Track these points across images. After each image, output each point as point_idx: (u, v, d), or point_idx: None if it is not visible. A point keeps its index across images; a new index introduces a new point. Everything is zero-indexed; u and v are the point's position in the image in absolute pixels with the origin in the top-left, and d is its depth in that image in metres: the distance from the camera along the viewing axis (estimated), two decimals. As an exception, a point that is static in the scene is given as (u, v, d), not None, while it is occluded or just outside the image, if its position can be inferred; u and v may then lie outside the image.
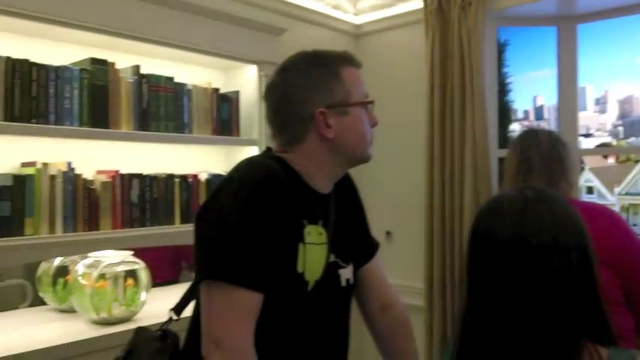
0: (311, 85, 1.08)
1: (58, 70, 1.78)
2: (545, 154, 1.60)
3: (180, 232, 2.13)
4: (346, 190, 1.24)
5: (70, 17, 1.78)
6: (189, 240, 2.29)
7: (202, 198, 2.20)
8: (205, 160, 2.43)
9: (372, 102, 1.15)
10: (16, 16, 1.69)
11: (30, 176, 1.72)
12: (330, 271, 1.11)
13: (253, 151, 2.41)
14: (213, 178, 2.25)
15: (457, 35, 2.42)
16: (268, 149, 1.19)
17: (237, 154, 2.47)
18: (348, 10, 2.89)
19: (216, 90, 2.30)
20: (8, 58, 1.69)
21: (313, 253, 1.06)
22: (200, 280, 1.00)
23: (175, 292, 2.36)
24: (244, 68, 2.44)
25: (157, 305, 2.10)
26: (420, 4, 2.60)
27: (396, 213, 2.62)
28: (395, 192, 2.67)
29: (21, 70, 1.71)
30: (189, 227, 2.08)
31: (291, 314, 1.05)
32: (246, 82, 2.44)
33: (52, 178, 1.76)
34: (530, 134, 1.70)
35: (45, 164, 1.76)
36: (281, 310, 1.03)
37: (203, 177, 2.23)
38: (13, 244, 1.66)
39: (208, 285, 0.98)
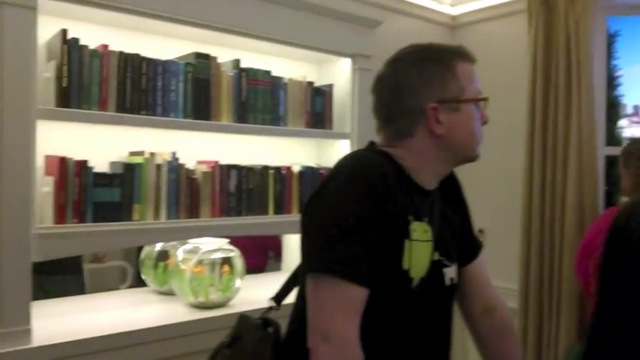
0: (424, 78, 1.06)
1: (165, 64, 1.87)
2: None
3: (273, 223, 2.17)
4: (451, 187, 1.20)
5: (176, 13, 1.86)
6: (282, 230, 2.39)
7: (295, 190, 2.24)
8: (298, 152, 2.47)
9: (486, 99, 1.11)
10: (127, 13, 1.78)
11: (138, 165, 1.82)
12: (435, 269, 1.09)
13: (345, 144, 2.41)
14: (306, 171, 2.28)
15: (563, 25, 2.29)
16: (372, 143, 1.17)
17: (329, 147, 2.49)
18: (444, 1, 2.82)
19: (311, 83, 2.32)
20: (121, 53, 1.79)
21: (418, 251, 1.04)
22: (307, 272, 1.01)
23: (265, 281, 2.45)
24: (338, 61, 2.44)
25: (249, 292, 2.17)
26: (522, -6, 2.48)
27: (491, 211, 2.53)
28: (490, 189, 2.58)
29: (132, 64, 1.80)
30: (282, 218, 2.16)
31: (394, 311, 1.04)
32: (339, 76, 2.44)
33: (158, 167, 1.86)
34: None
35: (152, 154, 1.86)
36: (385, 307, 1.03)
37: (296, 169, 2.27)
38: (123, 228, 1.77)
39: (316, 278, 0.98)
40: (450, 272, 1.13)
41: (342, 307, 0.96)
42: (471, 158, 1.12)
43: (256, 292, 2.20)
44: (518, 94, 2.46)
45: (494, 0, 2.71)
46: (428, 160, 1.09)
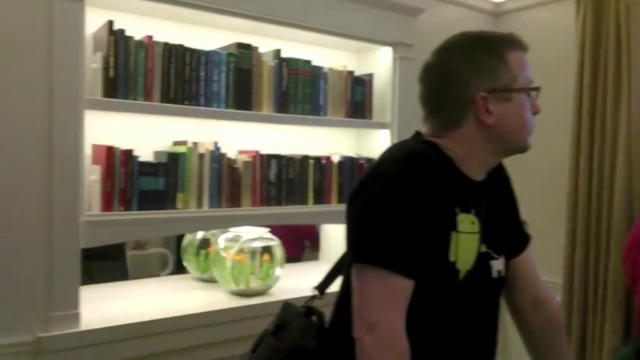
0: (475, 67, 1.03)
1: (208, 54, 1.89)
2: None
3: (313, 212, 2.18)
4: (499, 179, 1.18)
5: (219, 4, 1.87)
6: (321, 220, 2.39)
7: (335, 180, 2.24)
8: (337, 142, 2.46)
9: (538, 88, 1.08)
10: (171, 4, 1.80)
11: (182, 154, 1.84)
12: (482, 261, 1.07)
13: (385, 134, 2.40)
14: (345, 161, 2.27)
15: (613, 12, 2.20)
16: (418, 133, 1.15)
17: (369, 137, 2.48)
18: (487, -12, 2.75)
19: (351, 73, 2.30)
20: (165, 44, 1.81)
21: (465, 242, 1.03)
22: (352, 263, 1.01)
23: (302, 270, 2.47)
24: (379, 50, 2.42)
25: (288, 281, 2.19)
26: (570, -21, 2.41)
27: (534, 202, 2.47)
28: (534, 180, 2.52)
29: (176, 54, 1.82)
30: (322, 208, 2.17)
31: (440, 303, 1.03)
32: (380, 65, 2.42)
33: (201, 156, 1.88)
34: None
35: (195, 143, 1.88)
36: (431, 299, 1.02)
37: (335, 159, 2.26)
38: (167, 216, 1.80)
39: (362, 269, 0.98)
40: (498, 265, 1.11)
41: (389, 298, 0.96)
42: (522, 149, 1.09)
43: (295, 281, 2.22)
44: (565, 83, 2.39)
45: (539, -14, 2.64)
46: (476, 151, 1.07)
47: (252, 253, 2.09)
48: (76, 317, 1.64)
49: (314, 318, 1.21)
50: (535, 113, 1.08)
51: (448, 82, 1.06)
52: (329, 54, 2.40)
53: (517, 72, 1.05)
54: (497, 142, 1.06)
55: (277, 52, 2.07)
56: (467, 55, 1.05)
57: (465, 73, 1.04)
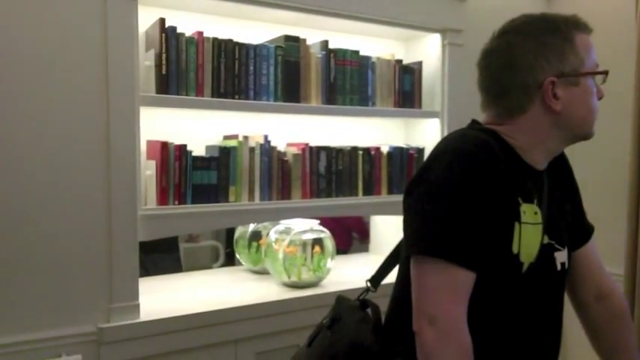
0: (542, 51, 1.00)
1: (256, 48, 1.89)
2: None
3: (363, 204, 2.17)
4: (560, 167, 1.14)
5: (266, -3, 1.88)
6: (371, 212, 2.38)
7: (384, 170, 2.22)
8: (386, 132, 2.44)
9: (606, 72, 1.03)
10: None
11: (233, 148, 1.86)
12: (545, 253, 1.04)
13: (435, 123, 2.35)
14: (394, 151, 2.25)
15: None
16: (475, 122, 1.12)
17: (417, 127, 2.44)
18: (539, -31, 2.65)
19: (399, 61, 2.27)
20: (215, 39, 1.83)
21: (528, 234, 1.00)
22: (411, 255, 0.99)
23: (352, 262, 2.47)
24: (427, 37, 2.37)
25: (339, 272, 2.19)
26: (629, -45, 2.29)
27: (593, 191, 2.39)
28: (593, 168, 2.43)
29: (225, 49, 1.84)
30: (372, 199, 2.15)
31: (503, 296, 1.00)
32: (429, 52, 2.37)
33: (252, 150, 1.90)
34: None
35: (245, 137, 1.90)
36: (493, 292, 0.99)
37: (385, 149, 2.24)
38: (220, 209, 1.83)
39: (422, 261, 0.96)
40: (561, 257, 1.07)
41: (449, 290, 0.94)
42: (587, 135, 1.05)
43: (346, 273, 2.22)
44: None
45: (596, -36, 2.52)
46: (541, 139, 1.03)
47: (304, 245, 2.10)
48: (135, 308, 1.69)
49: (369, 311, 1.20)
50: (600, 98, 1.04)
51: (513, 67, 1.02)
52: (377, 43, 2.37)
53: (584, 55, 1.01)
54: (563, 128, 1.03)
55: (325, 43, 2.06)
56: (533, 37, 1.01)
57: (532, 57, 1.00)
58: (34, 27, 1.55)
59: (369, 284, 1.26)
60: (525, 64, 1.01)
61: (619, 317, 1.18)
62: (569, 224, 1.13)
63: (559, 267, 1.07)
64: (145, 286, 1.83)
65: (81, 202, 1.62)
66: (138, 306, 1.70)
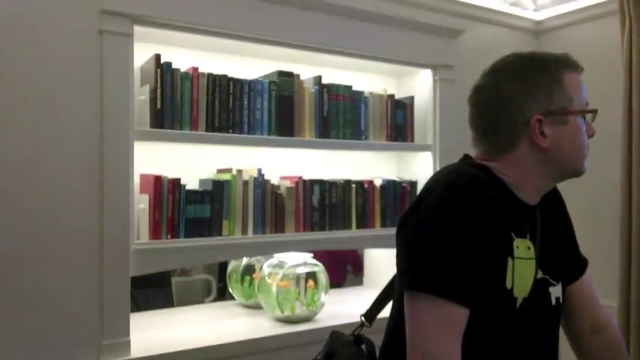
0: (530, 89, 1.01)
1: (251, 83, 1.92)
2: None
3: (356, 237, 2.17)
4: (552, 202, 1.15)
5: (260, 34, 1.91)
6: (365, 245, 2.38)
7: (378, 204, 2.22)
8: (379, 165, 2.45)
9: (595, 111, 1.05)
10: (215, 35, 1.85)
11: (227, 181, 1.87)
12: (539, 288, 1.03)
13: (427, 156, 2.38)
14: (387, 184, 2.26)
15: (661, 25, 2.15)
16: (467, 157, 1.13)
17: (410, 160, 2.46)
18: (527, 7, 2.72)
19: (392, 96, 2.30)
20: (210, 74, 1.85)
21: (522, 269, 1.00)
22: (405, 290, 0.98)
23: (346, 296, 2.44)
24: (418, 73, 2.42)
25: (333, 307, 2.17)
26: (614, -6, 2.36)
27: (584, 220, 2.40)
28: (585, 202, 2.45)
29: (220, 84, 1.86)
30: (365, 232, 2.15)
31: (498, 331, 1.00)
32: (420, 87, 2.41)
33: (245, 183, 1.90)
34: None
35: (239, 170, 1.91)
36: (488, 327, 0.98)
37: (378, 183, 2.25)
38: (214, 243, 1.82)
39: (415, 296, 0.96)
40: (556, 291, 1.07)
41: (443, 326, 0.93)
42: (577, 173, 1.06)
43: (340, 307, 2.20)
44: (612, 102, 2.33)
45: (582, 3, 2.59)
46: (530, 175, 1.04)
47: (297, 279, 2.08)
48: (127, 345, 1.66)
49: (363, 347, 1.19)
50: (591, 136, 1.05)
51: (501, 104, 1.03)
52: (369, 78, 2.41)
53: (573, 94, 1.02)
54: (552, 165, 1.04)
55: (318, 78, 2.09)
56: (521, 76, 1.03)
57: (519, 95, 1.02)
58: (31, 61, 1.57)
59: (363, 319, 1.25)
60: (513, 102, 1.02)
61: (615, 350, 1.18)
62: (563, 258, 1.13)
63: (554, 302, 1.07)
64: (137, 322, 1.80)
65: (73, 236, 1.61)
66: (129, 342, 1.67)
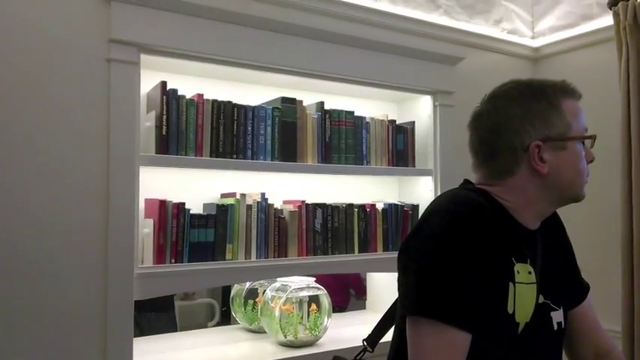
0: (528, 115, 1.03)
1: (254, 109, 1.95)
2: None
3: (359, 261, 2.18)
4: (553, 227, 1.16)
5: (264, 62, 1.96)
6: (367, 269, 2.39)
7: (380, 227, 2.24)
8: (380, 190, 2.48)
9: (594, 137, 1.07)
10: (219, 63, 1.89)
11: (231, 206, 1.89)
12: (541, 313, 1.04)
13: (427, 181, 2.40)
14: (389, 208, 2.28)
15: (658, 52, 2.19)
16: (467, 182, 1.15)
17: (412, 184, 2.48)
18: (525, 34, 2.77)
19: (393, 121, 2.34)
20: (214, 101, 1.89)
21: (523, 294, 1.01)
22: (407, 314, 0.99)
23: (350, 320, 2.44)
24: (419, 99, 2.46)
25: (336, 331, 2.17)
26: (610, 21, 2.40)
27: (585, 245, 2.41)
28: (587, 227, 2.47)
29: (224, 111, 1.90)
30: (367, 256, 2.17)
31: (500, 357, 1.00)
32: (421, 113, 2.45)
33: (249, 207, 1.92)
34: None
35: (243, 195, 1.93)
36: (490, 352, 0.99)
37: (380, 207, 2.27)
38: (217, 267, 1.84)
39: (417, 321, 0.96)
40: (558, 316, 1.08)
41: (445, 351, 0.94)
42: (576, 198, 1.08)
43: (343, 332, 2.20)
44: (610, 127, 2.35)
45: (578, 30, 2.64)
46: (530, 200, 1.05)
47: (300, 302, 2.09)
48: (129, 370, 1.66)
49: (367, 372, 1.20)
50: (590, 162, 1.07)
51: (500, 130, 1.05)
52: (371, 104, 2.44)
53: (571, 120, 1.04)
54: (551, 191, 1.05)
55: (321, 104, 2.13)
56: (520, 103, 1.05)
57: (517, 122, 1.04)
58: (40, 87, 1.61)
59: (365, 344, 1.26)
60: (512, 128, 1.04)
61: (619, 376, 1.18)
62: (564, 283, 1.14)
63: (555, 327, 1.07)
64: (140, 347, 1.81)
65: (77, 260, 1.63)
66: (132, 367, 1.67)
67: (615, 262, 2.33)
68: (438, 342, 0.94)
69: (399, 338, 1.06)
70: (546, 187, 1.05)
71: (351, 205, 2.17)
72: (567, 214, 1.24)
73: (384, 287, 2.50)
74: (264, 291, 2.13)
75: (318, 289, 2.13)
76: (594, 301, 1.22)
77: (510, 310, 0.99)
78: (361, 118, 2.23)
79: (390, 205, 2.29)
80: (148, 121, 1.83)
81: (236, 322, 2.35)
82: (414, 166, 2.38)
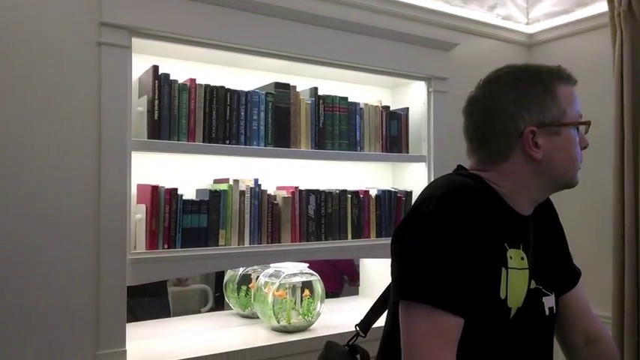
0: (523, 101, 1.03)
1: (247, 94, 1.94)
2: None
3: (352, 247, 2.18)
4: (545, 213, 1.16)
5: (257, 46, 1.94)
6: (360, 255, 2.39)
7: (373, 214, 2.24)
8: (374, 176, 2.48)
9: (588, 123, 1.07)
10: (212, 47, 1.87)
11: (224, 191, 1.88)
12: (533, 298, 1.05)
13: (421, 167, 2.40)
14: (382, 194, 2.28)
15: (652, 38, 2.18)
16: (461, 167, 1.15)
17: (405, 170, 2.48)
18: (520, 20, 2.76)
19: (386, 107, 2.33)
20: (207, 86, 1.87)
21: (515, 279, 1.01)
22: (399, 300, 0.99)
23: (343, 305, 2.45)
24: (413, 85, 2.45)
25: (329, 316, 2.18)
26: (604, 7, 2.39)
27: (577, 231, 2.43)
28: (577, 212, 2.48)
29: (217, 96, 1.88)
30: (361, 242, 2.17)
31: (492, 341, 1.01)
32: (415, 99, 2.44)
33: (242, 193, 1.91)
34: None
35: (236, 180, 1.92)
36: (482, 337, 0.99)
37: (373, 193, 2.27)
38: (210, 253, 1.83)
39: (409, 306, 0.97)
40: (549, 301, 1.09)
41: (438, 337, 0.94)
42: (570, 184, 1.08)
43: (336, 317, 2.21)
44: (604, 113, 2.35)
45: (573, 16, 2.63)
46: (523, 185, 1.06)
47: (293, 288, 2.09)
48: (122, 355, 1.66)
49: (358, 357, 1.20)
50: (584, 148, 1.07)
51: (495, 116, 1.05)
52: (364, 90, 2.43)
53: (566, 106, 1.04)
54: (545, 176, 1.05)
55: (314, 89, 2.11)
56: (515, 88, 1.04)
57: (512, 107, 1.03)
58: (30, 71, 1.58)
59: (358, 329, 1.26)
60: (506, 113, 1.04)
61: (610, 360, 1.19)
62: (556, 269, 1.15)
63: (547, 312, 1.08)
64: (133, 332, 1.81)
65: (69, 245, 1.62)
66: (125, 352, 1.67)
67: (607, 248, 2.35)
68: (431, 326, 0.94)
69: (392, 323, 1.07)
70: (540, 173, 1.05)
71: (344, 191, 2.17)
72: (560, 200, 1.25)
73: (377, 273, 2.51)
74: (258, 277, 2.13)
75: (312, 274, 2.14)
76: (586, 287, 1.23)
77: (502, 296, 1.00)
78: (355, 104, 2.22)
79: (384, 191, 2.29)
80: (139, 106, 1.81)
81: (229, 308, 2.35)
82: (408, 153, 2.38)
